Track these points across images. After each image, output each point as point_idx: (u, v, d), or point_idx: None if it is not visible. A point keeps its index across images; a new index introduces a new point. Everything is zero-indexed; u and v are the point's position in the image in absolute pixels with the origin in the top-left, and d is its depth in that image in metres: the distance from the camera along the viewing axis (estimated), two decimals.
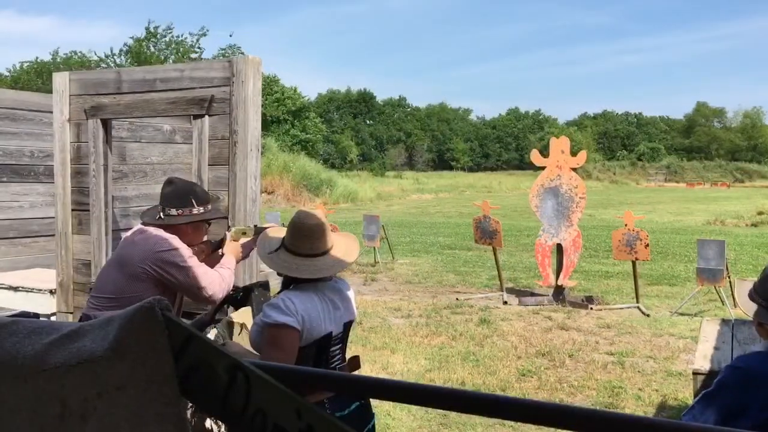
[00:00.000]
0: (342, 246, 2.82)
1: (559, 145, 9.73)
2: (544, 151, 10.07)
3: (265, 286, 4.18)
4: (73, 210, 5.04)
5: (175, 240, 3.33)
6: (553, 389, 6.00)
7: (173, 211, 3.38)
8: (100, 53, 38.09)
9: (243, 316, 3.88)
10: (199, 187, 3.73)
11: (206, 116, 4.40)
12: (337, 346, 2.84)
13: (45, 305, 5.30)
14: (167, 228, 3.37)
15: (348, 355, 3.07)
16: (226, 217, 4.21)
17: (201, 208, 3.47)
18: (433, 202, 36.13)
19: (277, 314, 2.57)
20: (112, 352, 1.66)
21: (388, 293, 10.46)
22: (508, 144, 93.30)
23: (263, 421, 1.55)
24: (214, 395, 1.59)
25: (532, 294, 10.23)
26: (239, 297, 4.08)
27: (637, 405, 5.57)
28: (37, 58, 39.00)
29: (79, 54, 37.58)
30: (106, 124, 4.90)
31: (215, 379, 1.58)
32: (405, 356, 6.88)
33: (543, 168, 9.86)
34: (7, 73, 48.43)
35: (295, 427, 1.51)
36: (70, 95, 4.99)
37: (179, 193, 3.41)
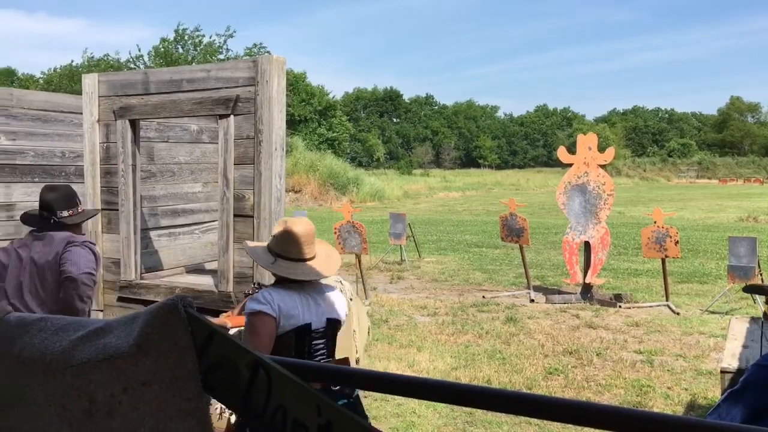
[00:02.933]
0: (323, 255, 3.08)
1: (587, 141, 9.64)
2: (572, 148, 9.99)
3: None
4: (102, 209, 5.12)
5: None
6: (580, 388, 5.95)
7: (65, 213, 3.69)
8: (130, 55, 38.59)
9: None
10: (71, 188, 3.93)
11: (231, 116, 4.45)
12: (321, 341, 2.99)
13: None
14: (66, 228, 3.68)
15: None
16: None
17: (81, 207, 3.87)
18: (460, 200, 36.02)
19: (254, 304, 2.85)
20: (136, 348, 1.69)
21: (414, 291, 10.46)
22: (536, 141, 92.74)
23: (284, 418, 1.57)
24: (235, 391, 1.61)
25: (560, 292, 10.15)
26: None
27: (665, 404, 5.51)
28: (72, 62, 39.67)
29: (111, 58, 38.16)
30: (135, 125, 4.97)
31: (237, 375, 1.61)
32: (431, 354, 6.88)
33: (570, 165, 9.78)
34: (41, 75, 49.37)
35: (315, 424, 1.52)
36: (99, 96, 5.07)
37: (66, 197, 3.74)
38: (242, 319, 3.80)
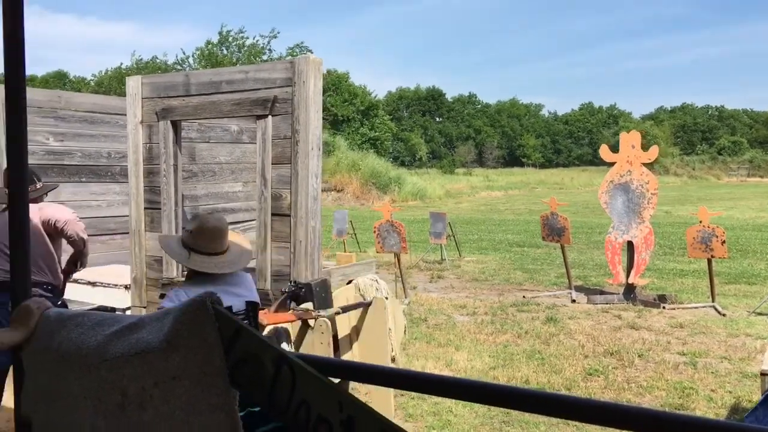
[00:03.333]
0: (237, 249, 3.27)
1: (630, 139, 9.48)
2: (617, 147, 9.82)
3: (324, 283, 4.28)
4: (145, 208, 5.25)
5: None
6: (621, 389, 5.87)
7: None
8: (176, 57, 39.34)
9: None
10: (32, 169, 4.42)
11: (269, 116, 4.51)
12: (244, 322, 3.22)
13: (121, 300, 5.55)
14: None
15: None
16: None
17: (40, 184, 4.54)
18: (502, 200, 35.76)
19: (166, 302, 3.08)
20: (166, 343, 1.74)
21: (454, 291, 10.44)
22: (581, 139, 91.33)
23: (307, 412, 1.60)
24: (261, 386, 1.65)
25: (602, 292, 10.01)
26: (302, 293, 4.20)
27: (708, 407, 5.39)
28: (121, 64, 40.60)
29: (158, 60, 38.95)
30: (176, 126, 5.08)
31: (262, 370, 1.64)
32: (469, 353, 6.86)
33: (613, 164, 9.63)
34: (91, 78, 50.67)
35: (337, 419, 1.55)
36: (142, 98, 5.20)
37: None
38: (278, 317, 3.86)
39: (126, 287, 5.48)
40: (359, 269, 5.34)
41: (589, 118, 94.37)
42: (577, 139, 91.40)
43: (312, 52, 43.74)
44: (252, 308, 3.23)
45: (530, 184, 48.52)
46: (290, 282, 4.27)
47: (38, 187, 4.51)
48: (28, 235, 2.08)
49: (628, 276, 9.46)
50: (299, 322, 3.98)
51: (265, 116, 4.52)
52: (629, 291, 9.45)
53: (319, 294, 4.18)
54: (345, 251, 14.00)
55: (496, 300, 9.54)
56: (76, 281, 5.79)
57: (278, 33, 38.25)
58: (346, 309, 4.15)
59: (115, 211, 6.58)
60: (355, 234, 14.76)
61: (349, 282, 4.70)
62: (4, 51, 1.94)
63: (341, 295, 4.40)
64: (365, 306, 4.34)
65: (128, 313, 5.44)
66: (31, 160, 5.94)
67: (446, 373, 6.29)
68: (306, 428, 1.57)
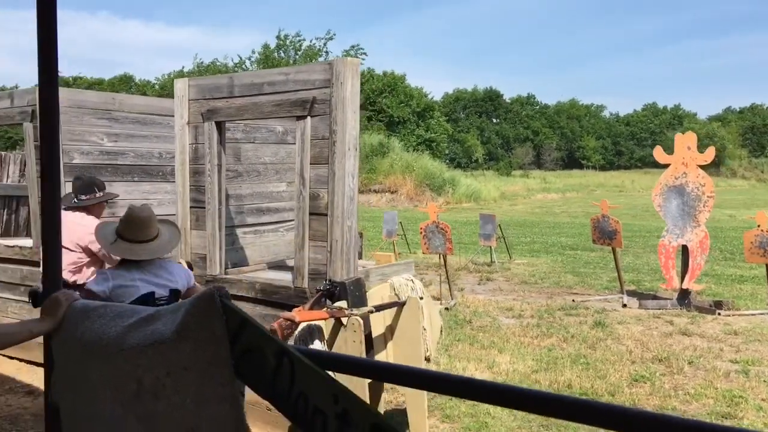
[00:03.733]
0: (165, 237, 3.57)
1: (685, 141, 9.23)
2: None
3: (359, 282, 4.32)
4: (191, 207, 5.40)
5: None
6: (666, 396, 5.72)
7: (83, 197, 4.77)
8: (232, 61, 40.15)
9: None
10: (98, 179, 5.11)
11: (308, 117, 4.58)
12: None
13: None
14: (82, 209, 4.74)
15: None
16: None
17: (101, 193, 4.87)
18: (558, 202, 35.21)
19: (92, 284, 3.40)
20: (177, 335, 1.81)
21: (502, 293, 10.35)
22: (644, 141, 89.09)
23: (305, 404, 1.64)
24: (263, 378, 1.70)
25: (655, 297, 9.76)
26: (336, 291, 4.25)
27: (757, 416, 5.21)
28: (183, 67, 41.67)
29: (219, 63, 39.84)
30: (221, 126, 5.20)
31: (265, 362, 1.69)
32: (512, 356, 6.80)
33: (667, 165, 9.39)
34: (156, 81, 52.21)
35: (332, 411, 1.59)
36: (189, 100, 5.34)
37: (85, 185, 4.84)
38: (311, 314, 3.92)
39: None
40: (398, 269, 5.36)
41: (653, 119, 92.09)
42: (639, 141, 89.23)
43: (367, 55, 43.98)
44: (174, 295, 3.48)
45: (589, 186, 47.64)
46: (326, 280, 4.33)
47: (97, 195, 4.83)
48: (60, 230, 2.18)
49: (682, 281, 9.21)
50: (332, 320, 4.02)
51: (305, 117, 4.59)
52: (683, 296, 9.19)
53: (353, 293, 4.22)
54: (395, 252, 14.05)
55: (543, 303, 9.42)
56: None
57: (334, 35, 38.67)
58: (379, 308, 4.18)
59: (166, 210, 6.76)
60: (405, 235, 14.78)
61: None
62: (38, 60, 2.04)
63: (376, 294, 4.43)
64: (399, 305, 4.36)
65: None
66: (86, 161, 6.19)
67: (486, 375, 6.26)
68: (304, 418, 1.61)
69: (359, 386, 3.63)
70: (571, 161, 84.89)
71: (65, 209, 4.49)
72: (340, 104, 4.40)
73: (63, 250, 4.55)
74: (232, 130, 5.84)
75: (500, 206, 30.49)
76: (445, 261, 9.39)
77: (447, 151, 62.41)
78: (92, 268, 4.82)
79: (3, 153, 8.63)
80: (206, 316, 1.75)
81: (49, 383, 2.16)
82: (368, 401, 4.49)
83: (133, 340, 1.89)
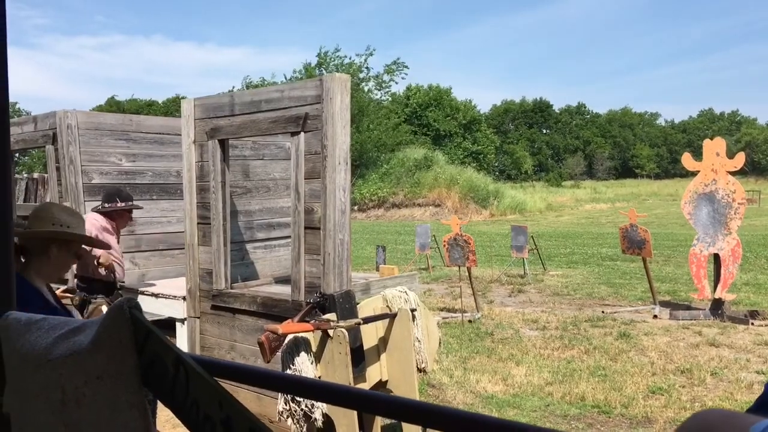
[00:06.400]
0: None
1: (714, 147, 9.00)
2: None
3: (348, 294, 4.37)
4: (198, 224, 5.54)
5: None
6: (681, 408, 5.57)
7: (106, 205, 5.44)
8: (280, 78, 40.85)
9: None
10: (124, 191, 5.70)
11: (302, 133, 4.66)
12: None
13: (180, 311, 5.86)
14: (104, 215, 5.43)
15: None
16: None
17: (123, 204, 5.47)
18: (607, 212, 34.53)
19: None
20: (91, 345, 1.90)
21: (532, 305, 10.22)
22: (701, 148, 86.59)
23: (197, 411, 1.70)
24: (165, 386, 1.77)
25: (689, 308, 9.50)
26: (326, 303, 4.31)
27: None
28: (233, 87, 42.59)
29: (267, 82, 40.62)
30: (224, 144, 5.33)
31: (165, 371, 1.76)
32: (528, 368, 6.72)
33: (697, 173, 9.17)
34: None
35: (218, 417, 1.65)
36: (195, 119, 5.50)
37: (108, 194, 5.52)
38: (295, 326, 3.98)
39: (183, 298, 5.78)
40: (400, 281, 5.38)
41: (710, 125, 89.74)
42: (696, 148, 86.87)
43: (408, 68, 44.11)
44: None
45: (641, 195, 46.65)
46: (317, 293, 4.39)
47: (119, 205, 5.47)
48: (11, 248, 2.30)
49: (714, 290, 8.95)
50: (320, 332, 4.07)
51: (298, 133, 4.67)
52: (716, 306, 8.93)
53: (342, 305, 4.27)
54: (428, 266, 14.03)
55: (571, 315, 9.27)
56: (142, 293, 6.17)
57: (374, 51, 39.01)
58: (367, 320, 4.21)
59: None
60: (439, 248, 14.74)
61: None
62: None
63: (368, 307, 4.46)
64: (391, 317, 4.38)
65: (185, 323, 5.74)
66: (106, 180, 6.42)
67: (500, 387, 6.20)
68: (197, 425, 1.67)
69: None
70: (625, 170, 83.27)
71: (94, 210, 5.57)
72: (330, 119, 4.47)
73: None
74: (240, 148, 5.98)
75: (546, 217, 30.12)
76: (469, 273, 9.34)
77: (496, 163, 62.00)
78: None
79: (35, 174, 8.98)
80: (117, 327, 1.83)
81: (2, 394, 2.27)
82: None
83: (58, 350, 1.98)
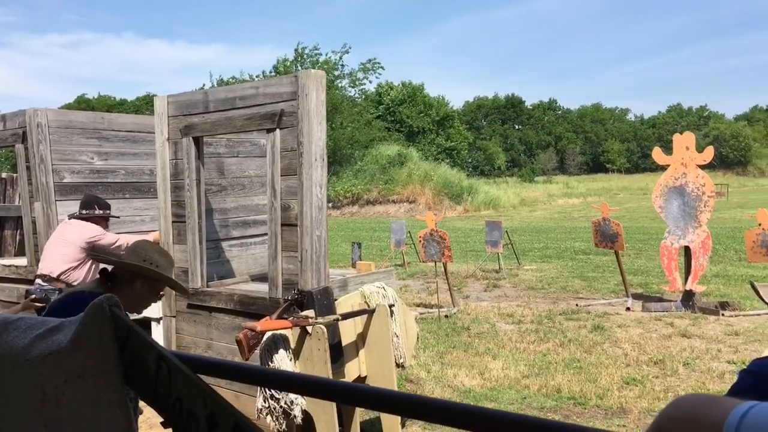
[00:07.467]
0: None
1: (683, 141, 9.15)
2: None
3: (326, 291, 4.37)
4: (173, 222, 5.49)
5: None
6: (655, 399, 5.66)
7: (84, 212, 5.58)
8: (252, 77, 40.59)
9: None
10: (101, 199, 5.82)
11: (278, 129, 4.65)
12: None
13: (155, 310, 5.79)
14: (84, 220, 5.55)
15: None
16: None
17: (101, 211, 5.67)
18: (579, 207, 34.90)
19: None
20: (71, 343, 1.88)
21: (507, 299, 10.31)
22: (670, 142, 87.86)
23: (181, 408, 1.70)
24: (147, 384, 1.76)
25: (660, 300, 9.66)
26: (304, 300, 4.31)
27: None
28: (203, 85, 42.21)
29: (237, 80, 40.33)
30: (198, 141, 5.29)
31: (147, 368, 1.75)
32: (505, 362, 6.78)
33: (667, 167, 9.31)
34: None
35: (202, 414, 1.65)
36: (168, 116, 5.45)
37: (86, 201, 5.66)
38: (273, 323, 3.97)
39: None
40: (378, 277, 5.39)
41: (679, 120, 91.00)
42: (666, 143, 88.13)
43: (383, 68, 44.15)
44: None
45: (612, 190, 47.21)
46: (295, 290, 4.38)
47: (96, 212, 5.66)
48: None
49: (685, 282, 9.10)
50: (299, 329, 4.07)
51: (274, 129, 4.66)
52: (687, 298, 9.08)
53: (320, 301, 4.27)
54: (403, 262, 14.06)
55: (546, 309, 9.37)
56: None
57: (350, 48, 39.10)
58: (345, 316, 4.22)
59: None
60: (414, 244, 14.79)
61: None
62: None
63: (346, 303, 4.47)
64: (369, 313, 4.40)
65: (160, 322, 5.69)
66: (78, 179, 6.34)
67: (477, 381, 6.25)
68: (180, 422, 1.67)
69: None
70: (596, 165, 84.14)
71: (72, 217, 5.68)
72: (305, 116, 4.46)
73: (61, 243, 5.42)
74: (214, 145, 5.94)
75: (519, 212, 30.34)
76: (445, 268, 9.39)
77: (469, 159, 62.26)
78: (85, 269, 5.54)
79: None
80: (97, 325, 1.81)
81: None
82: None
83: (37, 350, 1.96)
